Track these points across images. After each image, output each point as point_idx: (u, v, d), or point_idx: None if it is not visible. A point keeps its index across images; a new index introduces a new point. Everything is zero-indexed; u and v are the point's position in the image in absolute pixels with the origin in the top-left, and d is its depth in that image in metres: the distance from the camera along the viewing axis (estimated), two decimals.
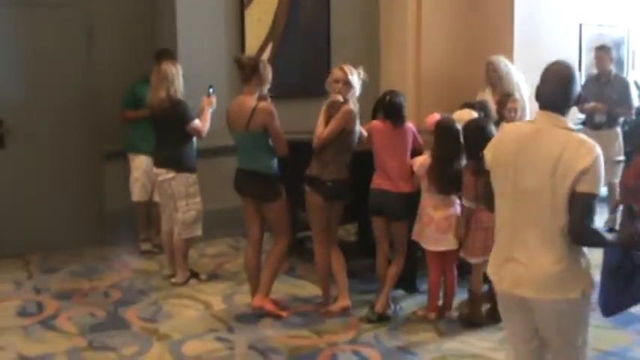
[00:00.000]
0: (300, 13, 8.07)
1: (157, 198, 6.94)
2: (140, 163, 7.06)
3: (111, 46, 7.37)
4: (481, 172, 5.11)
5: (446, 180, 5.25)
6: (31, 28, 7.04)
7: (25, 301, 5.87)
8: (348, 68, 5.34)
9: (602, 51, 8.07)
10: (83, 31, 7.26)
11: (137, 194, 7.15)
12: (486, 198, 4.61)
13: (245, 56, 5.97)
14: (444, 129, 5.32)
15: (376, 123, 5.46)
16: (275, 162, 5.42)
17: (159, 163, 6.17)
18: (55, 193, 7.22)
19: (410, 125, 5.43)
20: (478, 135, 5.17)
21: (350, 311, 5.49)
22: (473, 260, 5.27)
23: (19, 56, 7.03)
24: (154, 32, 7.57)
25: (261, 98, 5.39)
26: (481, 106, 6.05)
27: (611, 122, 7.48)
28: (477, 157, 5.16)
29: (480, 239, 5.20)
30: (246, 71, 5.39)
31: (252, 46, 7.68)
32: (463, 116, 5.63)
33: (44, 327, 5.34)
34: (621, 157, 7.55)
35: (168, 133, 6.05)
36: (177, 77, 6.05)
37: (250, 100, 5.33)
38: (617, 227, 7.84)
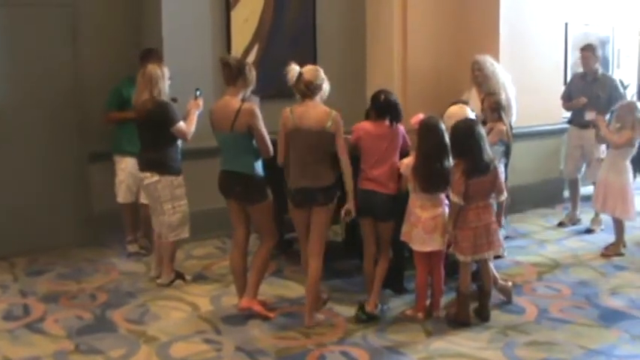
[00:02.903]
0: (285, 13, 8.06)
1: (143, 200, 6.94)
2: (126, 165, 7.03)
3: (97, 47, 7.35)
4: (470, 172, 5.15)
5: (430, 178, 5.26)
6: (17, 28, 7.00)
7: (11, 305, 5.83)
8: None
9: (588, 50, 8.10)
10: (69, 31, 7.23)
11: (122, 196, 7.12)
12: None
13: (231, 57, 5.95)
14: (428, 128, 5.32)
15: (365, 124, 5.46)
16: (259, 163, 5.40)
17: (143, 166, 6.12)
18: (41, 194, 7.19)
19: (400, 127, 5.42)
20: (467, 134, 5.21)
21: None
22: (461, 258, 5.29)
23: (4, 56, 6.99)
24: (140, 33, 7.54)
25: (244, 100, 5.39)
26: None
27: (595, 121, 7.50)
28: (466, 157, 5.20)
29: (467, 238, 5.23)
30: (233, 72, 5.37)
31: (238, 47, 7.68)
32: (459, 112, 5.65)
33: (31, 330, 5.30)
34: (603, 156, 7.58)
35: (153, 136, 6.02)
36: (162, 79, 6.02)
37: (235, 102, 5.32)
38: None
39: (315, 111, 5.19)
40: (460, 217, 5.25)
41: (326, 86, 5.35)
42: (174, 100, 6.37)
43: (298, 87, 5.23)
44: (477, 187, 5.21)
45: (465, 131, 5.24)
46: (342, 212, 5.24)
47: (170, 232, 6.14)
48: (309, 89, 5.22)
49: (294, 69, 5.22)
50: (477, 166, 5.18)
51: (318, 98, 5.28)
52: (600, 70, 8.18)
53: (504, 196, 5.38)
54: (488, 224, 5.27)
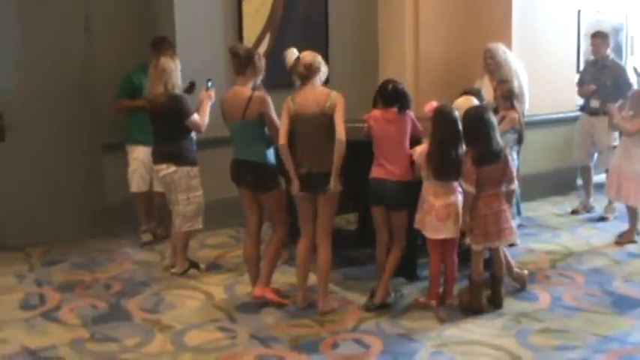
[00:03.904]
0: (297, 3, 8.06)
1: (157, 188, 6.98)
2: (138, 154, 7.07)
3: (108, 38, 7.38)
4: (479, 159, 5.16)
5: (443, 166, 5.26)
6: (29, 20, 7.03)
7: (28, 294, 5.89)
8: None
9: (597, 38, 8.08)
10: (81, 22, 7.25)
11: (136, 185, 7.16)
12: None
13: (240, 46, 5.95)
14: (442, 115, 5.32)
15: (374, 112, 5.45)
16: (271, 151, 5.41)
17: (159, 158, 6.13)
18: (55, 185, 7.24)
19: (409, 112, 5.40)
20: (477, 122, 5.20)
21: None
22: (474, 247, 5.29)
23: (18, 48, 7.03)
24: (152, 24, 7.54)
25: (255, 89, 5.40)
26: (475, 94, 6.05)
27: (605, 108, 7.48)
28: (475, 144, 5.20)
29: (478, 226, 5.24)
30: (242, 62, 5.39)
31: (249, 36, 7.69)
32: (462, 104, 5.64)
33: (47, 319, 5.35)
34: (615, 143, 7.55)
35: (167, 129, 6.03)
36: (176, 72, 6.02)
37: (245, 90, 5.34)
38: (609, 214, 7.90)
39: (315, 94, 5.18)
40: (474, 204, 5.26)
41: (324, 69, 5.33)
42: (192, 83, 6.41)
43: (297, 69, 5.22)
44: (487, 175, 5.20)
45: (475, 118, 5.24)
46: (330, 187, 5.18)
47: (185, 222, 6.16)
48: (309, 71, 5.21)
49: (293, 51, 5.24)
50: (486, 153, 5.18)
51: (317, 81, 5.27)
52: (610, 57, 8.15)
53: (515, 184, 5.37)
54: (498, 212, 5.26)
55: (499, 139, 5.28)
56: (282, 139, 5.15)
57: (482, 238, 5.26)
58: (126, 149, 7.17)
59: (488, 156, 5.19)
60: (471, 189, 5.20)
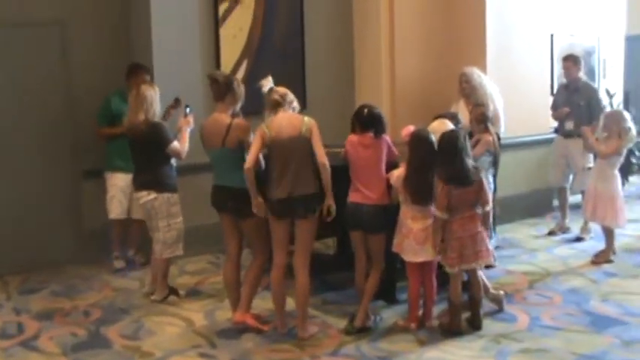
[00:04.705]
0: (274, 29, 8.12)
1: (135, 215, 7.01)
2: (117, 181, 7.08)
3: (87, 65, 7.40)
4: (451, 182, 5.20)
5: (421, 190, 5.30)
6: (7, 49, 7.05)
7: (5, 323, 5.83)
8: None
9: (569, 61, 8.23)
10: (59, 50, 7.29)
11: (114, 212, 7.16)
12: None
13: (219, 73, 5.99)
14: (419, 139, 5.37)
15: (351, 137, 5.48)
16: None
17: (139, 185, 6.13)
18: (34, 211, 7.23)
19: (385, 137, 5.45)
20: (451, 145, 5.25)
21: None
22: (448, 269, 5.34)
23: None
24: (129, 49, 7.58)
25: (234, 116, 5.43)
26: (451, 117, 6.12)
27: (579, 131, 7.58)
28: (448, 167, 5.24)
29: (453, 249, 5.27)
30: (221, 88, 5.43)
31: (227, 63, 7.73)
32: (437, 128, 5.69)
33: (25, 348, 5.31)
34: (590, 165, 7.65)
35: (148, 156, 6.04)
36: (155, 100, 6.05)
37: (225, 117, 5.37)
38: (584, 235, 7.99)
39: (289, 119, 5.22)
40: (446, 228, 5.30)
41: (296, 104, 5.41)
42: (177, 100, 6.46)
43: (272, 97, 5.28)
44: (460, 198, 5.24)
45: (449, 141, 5.29)
46: (324, 211, 5.21)
47: (165, 249, 6.15)
48: (283, 99, 5.28)
49: (270, 79, 5.36)
50: (458, 176, 5.22)
51: (289, 109, 5.32)
52: (583, 80, 8.28)
53: (489, 207, 5.37)
54: (474, 234, 5.29)
55: (471, 162, 5.33)
56: (249, 164, 5.12)
57: (458, 261, 5.29)
58: (105, 176, 7.17)
59: (460, 179, 5.22)
60: (440, 214, 5.25)
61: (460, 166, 5.23)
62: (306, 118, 5.22)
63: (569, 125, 8.05)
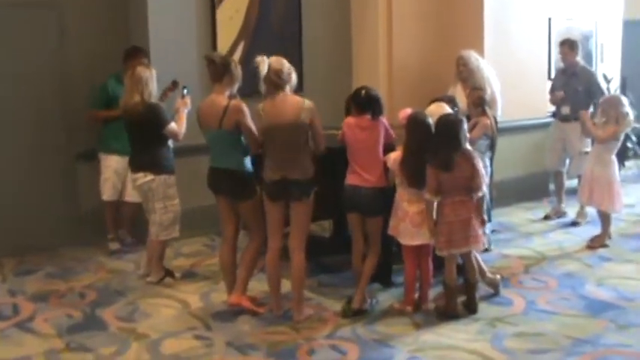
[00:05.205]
0: (271, 10, 8.08)
1: (128, 198, 7.05)
2: (111, 163, 7.08)
3: (83, 47, 7.35)
4: (443, 165, 5.18)
5: (417, 173, 5.28)
6: (4, 29, 7.00)
7: (0, 305, 5.83)
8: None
9: (565, 45, 8.22)
10: (56, 31, 7.24)
11: (107, 194, 7.16)
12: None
13: (216, 54, 5.95)
14: (416, 123, 5.36)
15: (348, 119, 5.46)
16: (248, 160, 5.42)
17: (136, 167, 6.11)
18: (28, 194, 7.20)
19: (382, 119, 5.42)
20: (449, 128, 5.23)
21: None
22: (439, 253, 5.35)
23: None
24: (126, 31, 7.54)
25: (231, 97, 5.40)
26: (449, 101, 6.10)
27: (577, 115, 7.56)
28: (442, 151, 5.22)
29: (443, 233, 5.27)
30: (218, 70, 5.39)
31: (223, 44, 7.69)
32: (434, 111, 5.67)
33: (21, 329, 5.31)
34: (587, 149, 7.65)
35: (144, 138, 6.02)
36: (152, 81, 6.01)
37: (222, 99, 5.33)
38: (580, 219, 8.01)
39: (287, 104, 5.15)
40: (438, 212, 5.29)
41: (294, 76, 5.29)
42: (175, 82, 6.46)
43: (269, 78, 5.17)
44: (451, 182, 5.20)
45: (447, 124, 5.28)
46: None
47: (161, 231, 6.14)
48: (279, 78, 5.16)
49: (265, 60, 5.16)
50: (439, 160, 5.20)
51: (288, 89, 5.23)
52: (580, 64, 8.26)
53: (481, 192, 5.29)
54: (466, 220, 5.26)
55: (466, 147, 5.30)
56: (256, 151, 5.18)
57: (446, 245, 5.28)
58: (99, 157, 7.16)
59: (442, 163, 5.19)
60: (429, 197, 5.24)
61: (447, 151, 5.20)
62: (306, 103, 5.15)
63: (566, 110, 8.04)
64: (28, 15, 7.10)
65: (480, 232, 5.37)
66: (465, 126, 5.37)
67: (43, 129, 7.24)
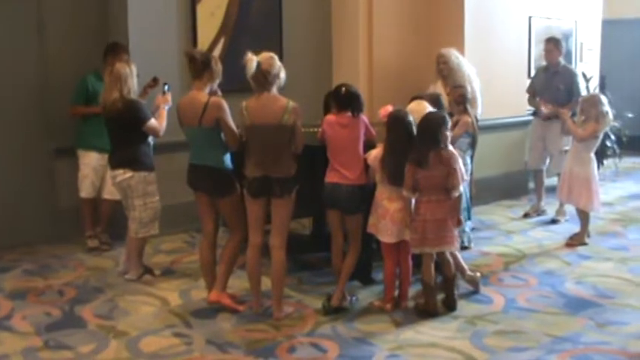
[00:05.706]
0: (251, 7, 8.06)
1: (106, 195, 7.01)
2: (90, 160, 7.02)
3: (62, 42, 7.29)
4: (417, 161, 5.18)
5: (397, 171, 5.27)
6: None
7: None
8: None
9: (551, 43, 8.23)
10: (34, 25, 7.16)
11: (85, 191, 7.10)
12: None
13: (197, 51, 5.92)
14: (397, 120, 5.36)
15: (329, 117, 5.46)
16: (227, 157, 5.40)
17: (115, 164, 6.06)
18: (6, 191, 7.13)
19: (362, 116, 5.42)
20: (430, 126, 5.23)
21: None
22: (413, 250, 5.37)
23: None
24: (106, 26, 7.49)
25: (211, 93, 5.38)
26: (434, 98, 6.11)
27: (557, 113, 7.59)
28: (420, 147, 5.22)
29: (417, 230, 5.27)
30: (199, 66, 5.35)
31: (203, 40, 7.67)
32: (416, 108, 5.67)
33: None
34: (567, 148, 7.68)
35: (124, 134, 5.98)
36: (131, 77, 5.97)
37: (202, 95, 5.31)
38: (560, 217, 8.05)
39: (271, 105, 5.12)
40: (414, 209, 5.30)
41: (283, 75, 5.25)
42: (155, 79, 6.41)
43: (257, 78, 5.13)
44: (427, 180, 5.21)
45: (433, 121, 5.28)
46: None
47: (141, 228, 6.11)
48: (267, 79, 5.13)
49: (254, 59, 5.09)
50: (416, 157, 5.20)
51: (274, 89, 5.20)
52: (562, 63, 8.30)
53: (457, 192, 5.27)
54: (441, 220, 5.25)
55: (446, 146, 5.29)
56: (237, 149, 5.15)
57: (419, 242, 5.29)
58: (77, 154, 7.10)
59: (425, 159, 5.19)
60: (406, 193, 5.25)
61: (423, 147, 5.20)
62: (290, 104, 5.12)
63: (546, 109, 8.03)
64: (5, 10, 7.02)
65: (455, 232, 5.37)
66: (448, 125, 5.36)
67: (21, 125, 7.17)
